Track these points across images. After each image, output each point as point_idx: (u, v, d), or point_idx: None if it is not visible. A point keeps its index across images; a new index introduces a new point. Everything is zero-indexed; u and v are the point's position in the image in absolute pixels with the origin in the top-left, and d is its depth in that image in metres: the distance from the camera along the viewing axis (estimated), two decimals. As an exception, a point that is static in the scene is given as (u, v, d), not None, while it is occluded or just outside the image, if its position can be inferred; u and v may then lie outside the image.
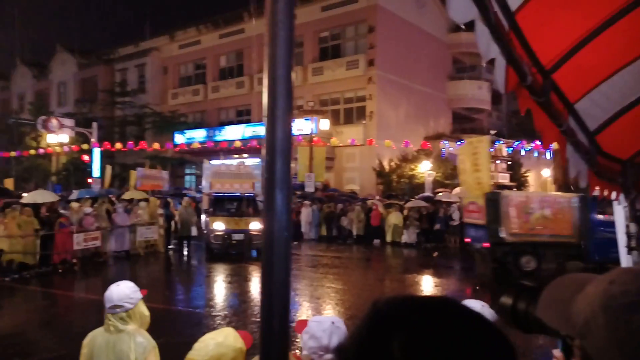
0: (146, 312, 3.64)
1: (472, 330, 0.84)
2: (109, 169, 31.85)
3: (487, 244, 16.22)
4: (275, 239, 1.13)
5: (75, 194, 28.37)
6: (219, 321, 10.80)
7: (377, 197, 27.71)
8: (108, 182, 31.40)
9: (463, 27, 1.90)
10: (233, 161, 24.10)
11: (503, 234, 15.90)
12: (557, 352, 1.72)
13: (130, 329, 3.47)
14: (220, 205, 20.64)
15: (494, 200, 16.04)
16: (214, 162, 23.14)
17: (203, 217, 23.34)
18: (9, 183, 35.28)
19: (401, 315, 0.85)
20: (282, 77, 1.14)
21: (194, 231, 22.30)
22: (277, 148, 1.14)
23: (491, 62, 2.10)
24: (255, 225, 19.24)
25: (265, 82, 1.18)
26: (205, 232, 20.88)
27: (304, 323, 2.55)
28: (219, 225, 19.41)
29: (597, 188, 3.94)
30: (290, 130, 1.16)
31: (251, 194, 21.26)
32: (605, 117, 3.31)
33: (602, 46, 2.56)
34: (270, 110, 1.14)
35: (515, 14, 2.07)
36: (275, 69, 1.14)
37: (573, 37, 2.48)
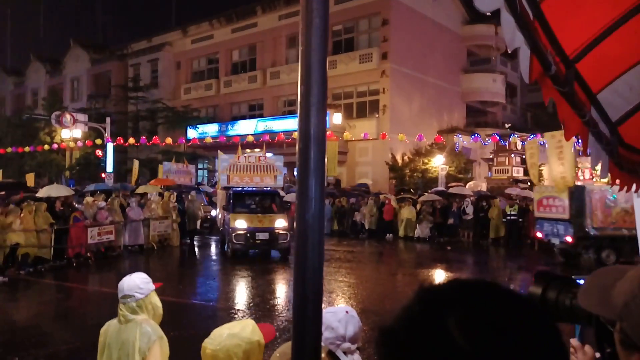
0: (159, 304, 3.68)
1: (522, 307, 0.86)
2: (136, 163, 31.93)
3: (569, 239, 16.37)
4: (309, 226, 1.14)
5: (91, 187, 28.56)
6: (232, 315, 10.85)
7: (385, 194, 27.60)
8: (135, 176, 31.43)
9: (488, 14, 1.89)
10: (252, 153, 23.04)
11: (588, 228, 16.03)
12: (574, 341, 1.74)
13: (138, 318, 3.51)
14: (241, 201, 19.53)
15: (578, 195, 16.19)
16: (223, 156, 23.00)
17: (215, 212, 23.46)
18: (30, 178, 35.42)
19: (455, 294, 0.87)
20: (317, 64, 1.14)
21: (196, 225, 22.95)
22: (312, 135, 1.14)
23: (512, 53, 2.10)
24: (281, 223, 18.42)
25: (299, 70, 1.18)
26: (222, 229, 20.01)
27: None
28: (241, 224, 18.16)
29: (617, 180, 3.93)
30: (325, 118, 1.17)
31: (274, 189, 20.69)
32: (627, 108, 3.29)
33: (626, 36, 2.54)
34: (303, 98, 1.15)
35: (540, 2, 2.07)
36: (310, 57, 1.14)
37: (597, 26, 2.47)
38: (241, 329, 2.71)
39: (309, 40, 1.15)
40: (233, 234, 18.03)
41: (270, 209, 19.59)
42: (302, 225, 1.15)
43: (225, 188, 20.41)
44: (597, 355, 1.53)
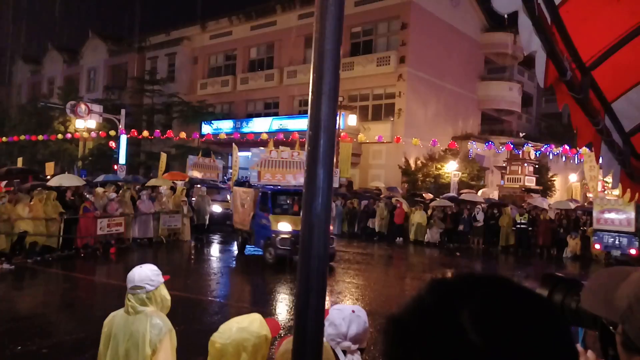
0: (167, 297, 3.67)
1: (534, 304, 0.87)
2: (164, 156, 30.57)
3: (633, 251, 16.64)
4: (315, 215, 1.15)
5: (101, 178, 28.66)
6: (238, 311, 10.85)
7: (395, 197, 27.54)
8: (162, 169, 30.18)
9: (506, 18, 1.90)
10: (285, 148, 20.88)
11: None
12: (577, 346, 1.73)
13: (148, 310, 3.51)
14: (280, 201, 18.30)
15: None
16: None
17: (233, 210, 23.25)
18: (49, 167, 35.55)
19: (468, 287, 0.86)
20: (330, 52, 1.15)
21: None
22: (322, 124, 1.15)
23: (529, 62, 2.10)
24: None
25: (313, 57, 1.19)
26: (254, 230, 17.99)
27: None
28: (285, 227, 16.66)
29: (628, 190, 3.91)
30: (336, 106, 1.18)
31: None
32: (642, 119, 3.28)
33: (644, 45, 2.53)
34: (315, 86, 1.15)
35: (559, 7, 2.07)
36: (324, 44, 1.15)
37: (615, 34, 2.46)
38: (249, 323, 2.72)
39: (323, 28, 1.15)
40: (277, 239, 16.45)
41: None
42: (309, 214, 1.16)
43: (251, 185, 19.37)
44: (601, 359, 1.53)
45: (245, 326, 2.69)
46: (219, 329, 2.77)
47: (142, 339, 3.40)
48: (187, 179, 28.35)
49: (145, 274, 3.56)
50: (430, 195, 28.25)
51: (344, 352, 2.42)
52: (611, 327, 1.19)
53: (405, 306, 0.89)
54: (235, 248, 19.81)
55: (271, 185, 18.49)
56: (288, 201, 18.62)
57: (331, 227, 17.37)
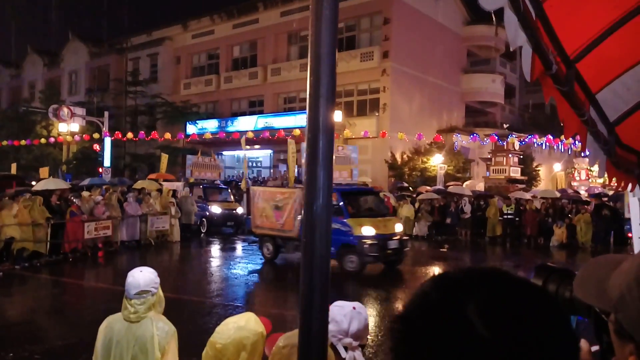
0: (163, 297, 3.67)
1: (537, 295, 0.89)
2: (164, 157, 30.12)
3: None
4: (317, 216, 1.17)
5: (86, 181, 28.43)
6: (230, 311, 10.86)
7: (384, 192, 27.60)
8: (164, 170, 29.86)
9: (492, 13, 1.93)
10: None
11: None
12: None
13: (151, 314, 3.48)
14: (354, 202, 16.74)
15: None
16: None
17: (241, 210, 22.95)
18: (44, 171, 35.01)
19: (473, 281, 0.88)
20: (326, 55, 1.17)
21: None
22: (321, 126, 1.17)
23: (511, 54, 2.13)
24: (399, 228, 16.71)
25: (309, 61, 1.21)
26: (270, 234, 17.03)
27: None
28: (369, 230, 15.40)
29: (614, 179, 3.97)
30: (333, 108, 1.20)
31: (368, 187, 19.33)
32: (625, 108, 3.34)
33: (626, 37, 2.58)
34: (313, 89, 1.18)
35: (543, 2, 2.11)
36: (319, 48, 1.17)
37: (598, 27, 2.51)
38: (246, 322, 2.74)
39: (318, 31, 1.17)
40: (364, 245, 15.15)
41: (382, 210, 17.71)
42: (310, 215, 1.18)
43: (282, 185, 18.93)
44: (595, 347, 1.57)
45: (242, 325, 2.71)
46: (216, 329, 2.79)
47: (150, 344, 3.38)
48: (218, 178, 28.29)
49: (149, 277, 3.52)
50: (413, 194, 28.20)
51: (345, 348, 2.44)
52: (603, 316, 1.22)
53: (410, 303, 0.90)
54: (238, 249, 19.72)
55: (345, 185, 17.63)
56: (360, 202, 17.06)
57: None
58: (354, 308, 2.54)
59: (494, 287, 0.87)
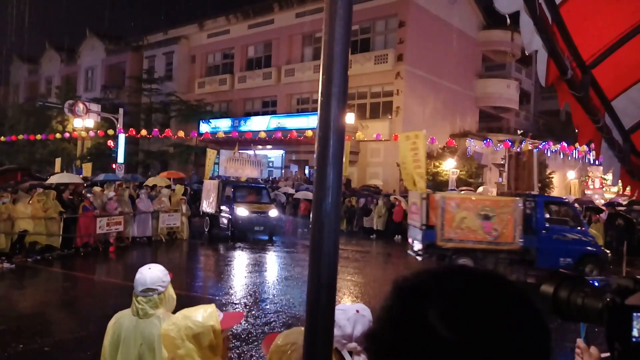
0: (174, 296, 3.62)
1: (499, 287, 0.87)
2: (211, 153, 26.42)
3: None
4: (325, 215, 1.18)
5: (101, 177, 28.53)
6: (237, 308, 10.89)
7: (396, 195, 27.55)
8: (210, 168, 26.51)
9: (507, 17, 1.92)
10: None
11: None
12: (580, 342, 1.76)
13: (159, 312, 3.45)
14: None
15: None
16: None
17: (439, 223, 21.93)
18: (87, 168, 35.04)
19: (429, 285, 0.87)
20: (339, 54, 1.17)
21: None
22: (332, 125, 1.17)
23: (526, 59, 2.12)
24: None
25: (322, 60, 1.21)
26: (542, 247, 15.20)
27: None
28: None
29: (628, 187, 3.94)
30: (345, 107, 1.20)
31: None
32: (641, 116, 3.30)
33: (644, 44, 2.56)
34: (325, 88, 1.18)
35: (559, 6, 2.09)
36: (333, 47, 1.17)
37: (615, 33, 2.48)
38: (196, 313, 2.72)
39: (332, 30, 1.17)
40: None
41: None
42: (319, 214, 1.18)
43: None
44: (606, 355, 1.55)
45: (190, 315, 2.69)
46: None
47: (157, 342, 3.33)
48: (258, 176, 25.59)
49: (157, 275, 3.47)
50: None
51: (350, 353, 2.40)
52: None
53: (377, 319, 0.90)
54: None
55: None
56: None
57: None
58: (357, 311, 2.50)
59: (451, 286, 0.85)
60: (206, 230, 23.22)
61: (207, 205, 23.40)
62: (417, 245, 15.77)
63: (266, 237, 22.16)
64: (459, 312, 0.81)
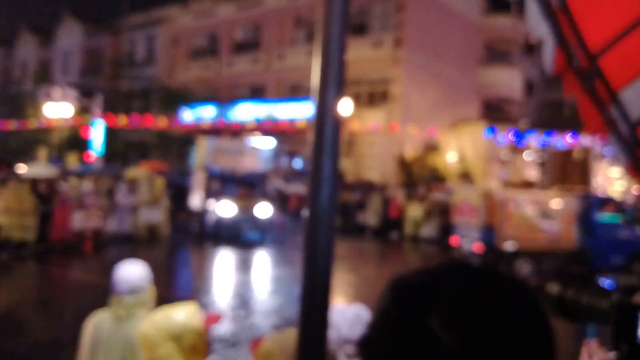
0: (154, 293, 3.62)
1: (498, 286, 0.87)
2: (201, 141, 24.11)
3: None
4: (321, 208, 1.18)
5: (77, 168, 28.21)
6: (221, 309, 10.90)
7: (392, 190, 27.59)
8: (202, 158, 23.68)
9: (510, 2, 1.94)
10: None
11: None
12: (592, 343, 1.80)
13: (141, 313, 3.42)
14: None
15: None
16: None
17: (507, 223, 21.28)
18: (72, 158, 34.57)
19: (429, 289, 0.86)
20: (336, 39, 1.18)
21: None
22: (328, 112, 1.18)
23: (531, 48, 2.14)
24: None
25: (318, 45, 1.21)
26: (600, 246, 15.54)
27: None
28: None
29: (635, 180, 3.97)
30: (342, 94, 1.21)
31: None
32: (648, 108, 3.33)
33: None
34: (322, 73, 1.18)
35: (566, -8, 2.12)
36: (330, 30, 1.17)
37: (623, 21, 2.51)
38: (178, 313, 2.73)
39: (330, 9, 1.17)
40: None
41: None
42: (314, 208, 1.18)
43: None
44: (612, 354, 1.58)
45: (170, 314, 2.71)
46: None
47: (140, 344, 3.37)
48: (255, 168, 23.64)
49: (141, 273, 3.47)
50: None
51: (348, 356, 2.41)
52: None
53: (373, 323, 0.90)
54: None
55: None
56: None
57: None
58: (355, 312, 2.51)
59: (453, 289, 0.85)
60: (196, 227, 22.29)
61: (196, 201, 22.59)
62: (468, 245, 15.96)
63: (256, 237, 21.05)
64: (462, 318, 0.80)
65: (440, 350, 0.78)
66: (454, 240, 17.09)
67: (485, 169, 16.46)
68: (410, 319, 0.83)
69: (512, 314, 0.82)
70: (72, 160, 31.50)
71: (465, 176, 32.88)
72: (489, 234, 15.24)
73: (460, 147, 16.89)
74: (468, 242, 16.03)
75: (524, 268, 14.90)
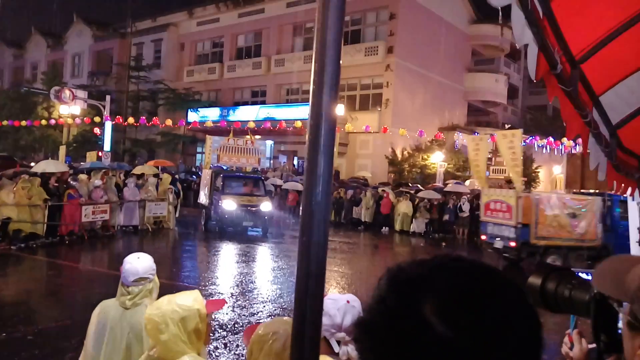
0: (158, 283, 3.62)
1: (492, 279, 0.86)
2: (209, 140, 23.45)
3: None
4: (316, 203, 1.17)
5: (87, 165, 28.20)
6: (223, 297, 10.89)
7: (384, 188, 27.63)
8: (209, 156, 23.25)
9: (499, 10, 1.93)
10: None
11: None
12: (574, 333, 1.78)
13: (146, 301, 3.43)
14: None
15: None
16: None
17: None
18: (62, 150, 34.44)
19: (425, 278, 0.85)
20: (332, 42, 1.17)
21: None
22: (323, 113, 1.17)
23: (515, 54, 2.13)
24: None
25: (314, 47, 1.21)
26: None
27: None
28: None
29: (614, 182, 3.97)
30: (337, 96, 1.20)
31: None
32: (628, 112, 3.33)
33: (633, 40, 2.58)
34: (317, 76, 1.17)
35: (550, 0, 2.10)
36: (325, 35, 1.17)
37: (604, 28, 2.50)
38: (182, 298, 2.72)
39: (325, 18, 1.17)
40: None
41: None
42: (309, 203, 1.18)
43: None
44: (592, 345, 1.57)
45: (175, 299, 2.69)
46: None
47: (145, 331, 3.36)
48: (257, 165, 23.53)
49: (148, 263, 3.48)
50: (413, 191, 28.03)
51: (338, 342, 2.41)
52: (615, 306, 1.24)
53: (368, 309, 0.88)
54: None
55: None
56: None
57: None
58: (347, 302, 2.50)
59: (448, 280, 0.84)
60: (202, 222, 22.06)
61: (203, 197, 22.39)
62: (501, 243, 16.38)
63: (258, 232, 20.91)
64: (456, 308, 0.80)
65: (432, 338, 0.78)
66: (483, 236, 17.45)
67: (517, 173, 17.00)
68: (406, 306, 0.82)
69: (502, 306, 0.82)
70: (91, 158, 31.54)
71: (509, 181, 32.90)
72: (524, 232, 15.67)
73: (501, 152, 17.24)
74: (501, 239, 16.42)
75: (554, 262, 15.18)
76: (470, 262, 0.89)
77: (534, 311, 0.86)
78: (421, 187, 28.43)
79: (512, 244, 15.91)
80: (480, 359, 0.79)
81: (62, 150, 34.18)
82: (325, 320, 2.38)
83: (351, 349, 2.43)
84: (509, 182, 32.81)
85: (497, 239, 16.59)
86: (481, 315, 0.80)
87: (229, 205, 20.19)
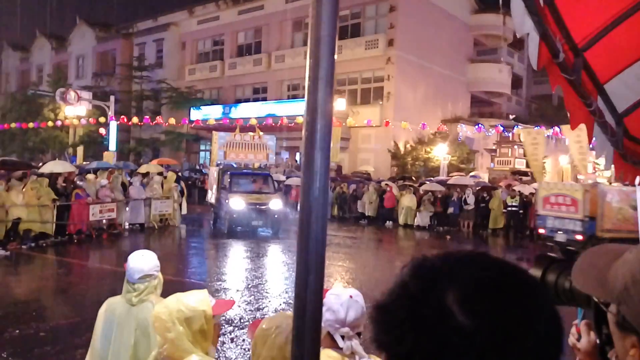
0: (162, 280, 3.66)
1: (517, 278, 0.87)
2: (215, 136, 22.48)
3: None
4: (314, 199, 1.17)
5: (94, 164, 28.26)
6: (229, 294, 10.89)
7: (387, 182, 27.58)
8: (216, 153, 22.26)
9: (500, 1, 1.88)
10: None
11: None
12: (582, 324, 1.74)
13: (152, 298, 3.48)
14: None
15: None
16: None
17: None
18: (108, 156, 34.21)
19: (450, 268, 0.86)
20: (326, 37, 1.16)
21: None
22: (319, 108, 1.15)
23: (518, 44, 2.08)
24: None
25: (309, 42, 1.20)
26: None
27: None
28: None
29: (621, 172, 3.92)
30: (332, 91, 1.18)
31: None
32: (634, 99, 3.28)
33: (636, 26, 2.52)
34: (312, 71, 1.16)
35: (551, -12, 2.06)
36: (320, 30, 1.16)
37: (607, 15, 2.45)
38: (189, 298, 2.71)
39: (319, 13, 1.16)
40: None
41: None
42: (307, 198, 1.18)
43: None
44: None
45: (182, 299, 2.69)
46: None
47: (152, 327, 3.37)
48: (266, 161, 22.81)
49: (152, 261, 3.52)
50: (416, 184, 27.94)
51: (342, 337, 2.41)
52: (602, 306, 1.19)
53: (390, 293, 0.89)
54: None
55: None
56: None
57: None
58: (350, 296, 2.50)
59: (473, 273, 0.85)
60: (211, 222, 21.58)
61: (212, 195, 21.80)
62: (564, 237, 16.34)
63: (267, 231, 20.06)
64: (478, 300, 0.81)
65: (452, 326, 0.79)
66: (542, 230, 17.47)
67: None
68: (428, 292, 0.83)
69: (525, 304, 0.83)
70: (107, 158, 31.65)
71: (514, 173, 32.82)
72: (591, 225, 15.65)
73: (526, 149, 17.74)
74: (565, 232, 16.42)
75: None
76: (496, 258, 0.90)
77: (556, 314, 0.87)
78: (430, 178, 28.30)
79: (579, 237, 15.81)
80: (496, 353, 0.79)
81: (80, 151, 34.50)
82: (328, 316, 2.39)
83: (355, 344, 2.43)
84: (514, 174, 32.86)
85: (559, 232, 16.55)
86: (503, 309, 0.80)
87: (236, 204, 19.28)
